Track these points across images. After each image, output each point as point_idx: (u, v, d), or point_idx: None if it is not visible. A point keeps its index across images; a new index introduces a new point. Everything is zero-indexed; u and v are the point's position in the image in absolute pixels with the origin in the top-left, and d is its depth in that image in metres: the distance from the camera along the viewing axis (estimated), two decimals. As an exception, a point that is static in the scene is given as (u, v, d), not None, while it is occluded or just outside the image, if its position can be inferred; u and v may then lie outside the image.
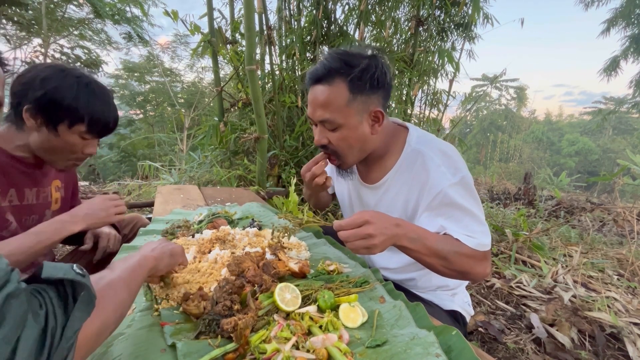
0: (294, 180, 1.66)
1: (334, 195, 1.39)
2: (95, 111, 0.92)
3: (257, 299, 0.70)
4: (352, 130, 0.90)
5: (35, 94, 0.86)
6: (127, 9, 8.53)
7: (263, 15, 3.19)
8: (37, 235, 0.86)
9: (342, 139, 0.92)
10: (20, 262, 0.82)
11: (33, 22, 8.29)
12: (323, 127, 0.92)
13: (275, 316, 0.66)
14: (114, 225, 1.28)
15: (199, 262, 0.93)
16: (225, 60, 3.66)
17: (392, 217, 0.79)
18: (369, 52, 0.90)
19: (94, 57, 9.18)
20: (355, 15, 3.60)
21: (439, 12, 3.87)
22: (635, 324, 1.78)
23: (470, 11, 3.65)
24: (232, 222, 1.35)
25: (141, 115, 12.90)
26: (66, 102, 0.88)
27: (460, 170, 0.88)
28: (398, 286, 0.95)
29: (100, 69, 9.26)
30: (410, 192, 0.94)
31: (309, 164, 1.05)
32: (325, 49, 3.68)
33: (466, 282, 1.11)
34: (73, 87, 0.89)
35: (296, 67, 3.73)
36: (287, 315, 0.68)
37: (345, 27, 3.67)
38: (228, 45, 3.34)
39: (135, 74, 12.41)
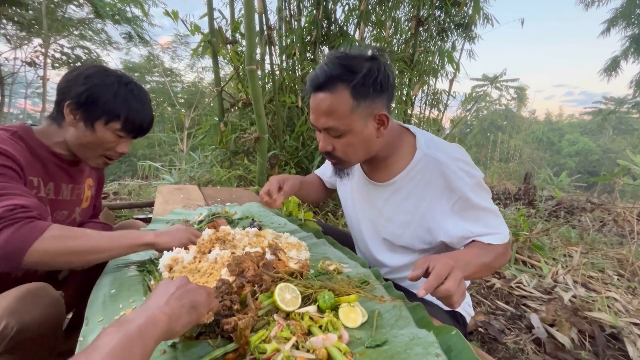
0: (294, 180, 1.65)
1: (330, 190, 1.40)
2: (131, 110, 0.95)
3: (257, 299, 0.70)
4: (357, 135, 0.90)
5: (77, 90, 0.90)
6: (127, 9, 8.53)
7: (263, 15, 3.19)
8: (122, 234, 0.89)
9: (348, 145, 0.91)
10: (94, 260, 0.83)
11: (33, 22, 8.30)
12: (327, 134, 0.92)
13: (275, 316, 0.66)
14: None
15: (199, 262, 0.93)
16: (226, 60, 3.66)
17: (444, 256, 0.76)
18: (370, 53, 0.88)
19: (94, 57, 9.19)
20: (355, 15, 3.60)
21: (439, 12, 3.87)
22: (635, 324, 1.77)
23: (470, 11, 3.65)
24: (232, 222, 1.35)
25: (141, 115, 12.89)
26: (105, 99, 0.91)
27: (474, 174, 0.91)
28: (398, 286, 0.96)
29: (101, 69, 9.25)
30: (423, 196, 0.95)
31: (265, 192, 1.10)
32: (326, 49, 3.68)
33: (467, 283, 1.11)
34: (113, 85, 0.92)
35: (296, 67, 3.73)
36: (287, 315, 0.68)
37: (345, 27, 3.67)
38: (228, 45, 3.35)
39: (136, 74, 12.42)
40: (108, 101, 0.92)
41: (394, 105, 3.75)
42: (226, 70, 5.61)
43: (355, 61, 0.86)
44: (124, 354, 0.39)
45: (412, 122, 4.22)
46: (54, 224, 0.78)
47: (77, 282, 1.11)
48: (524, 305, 2.01)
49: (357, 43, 3.45)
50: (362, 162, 1.02)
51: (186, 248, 1.01)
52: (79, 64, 8.68)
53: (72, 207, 1.09)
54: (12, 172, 0.82)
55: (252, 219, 1.37)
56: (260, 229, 1.25)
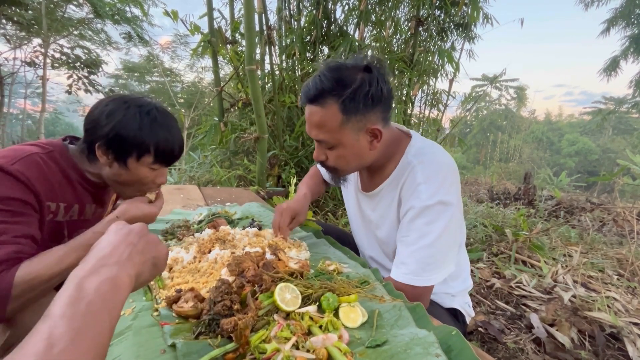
0: (294, 180, 1.66)
1: (327, 184, 1.40)
2: (160, 140, 0.92)
3: (257, 299, 0.70)
4: (349, 148, 0.89)
5: (103, 130, 0.88)
6: (127, 9, 8.53)
7: (263, 15, 3.19)
8: (82, 241, 0.85)
9: (339, 157, 0.92)
10: (72, 267, 0.81)
11: (33, 22, 8.29)
12: (320, 145, 0.93)
13: (275, 316, 0.66)
14: None
15: (199, 262, 0.93)
16: (225, 60, 3.66)
17: None
18: (365, 62, 0.86)
19: (93, 57, 9.18)
20: (355, 15, 3.60)
21: (438, 12, 3.87)
22: (635, 324, 1.77)
23: (470, 11, 3.65)
24: (232, 222, 1.35)
25: (141, 115, 12.90)
26: (131, 134, 0.89)
27: (439, 194, 0.85)
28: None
29: (100, 69, 9.26)
30: (398, 205, 0.94)
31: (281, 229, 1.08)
32: (325, 49, 3.68)
33: (469, 288, 1.11)
34: (136, 117, 0.90)
35: (296, 67, 3.73)
36: (287, 315, 0.68)
37: (345, 27, 3.67)
38: (228, 45, 3.34)
39: (135, 74, 12.43)
40: (135, 136, 0.89)
41: (393, 105, 3.75)
42: (226, 70, 5.62)
43: (348, 73, 0.84)
44: (92, 335, 0.32)
45: (412, 122, 4.22)
46: (17, 274, 0.74)
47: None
48: (524, 305, 2.01)
49: (357, 43, 3.44)
50: (358, 171, 1.02)
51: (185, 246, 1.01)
52: (78, 63, 8.69)
53: (92, 225, 1.09)
54: (23, 205, 0.80)
55: (252, 219, 1.36)
56: (260, 229, 1.25)
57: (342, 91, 0.82)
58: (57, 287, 0.88)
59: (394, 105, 3.78)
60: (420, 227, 0.85)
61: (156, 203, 1.01)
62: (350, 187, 1.15)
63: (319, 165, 1.38)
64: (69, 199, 0.93)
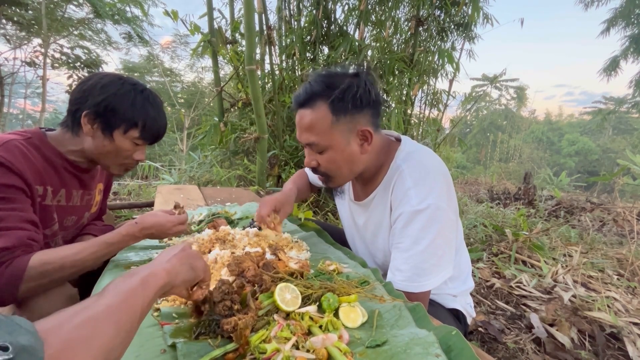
0: (294, 180, 1.65)
1: (315, 188, 1.39)
2: (149, 118, 0.96)
3: (257, 299, 0.70)
4: (340, 152, 0.90)
5: (95, 100, 0.90)
6: (127, 9, 8.53)
7: (263, 15, 3.19)
8: (107, 245, 0.90)
9: (330, 161, 0.91)
10: (88, 267, 0.87)
11: (33, 22, 8.30)
12: (311, 150, 0.93)
13: (275, 316, 0.66)
14: None
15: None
16: (225, 60, 3.66)
17: None
18: (354, 69, 0.89)
19: (94, 57, 9.18)
20: (355, 15, 3.60)
21: (439, 12, 3.87)
22: (635, 323, 1.77)
23: (470, 11, 3.65)
24: (232, 222, 1.35)
25: (141, 115, 12.91)
26: (123, 108, 0.92)
27: (429, 199, 0.84)
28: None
29: (100, 69, 9.26)
30: (390, 211, 0.94)
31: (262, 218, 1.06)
32: (326, 49, 3.68)
33: (470, 288, 1.11)
34: (130, 93, 0.93)
35: (296, 67, 3.73)
36: (287, 315, 0.68)
37: (345, 27, 3.67)
38: (228, 45, 3.34)
39: (135, 74, 12.41)
40: (126, 110, 0.92)
41: (393, 105, 3.75)
42: (226, 70, 5.62)
43: (337, 78, 0.87)
44: (127, 301, 0.46)
45: (412, 122, 4.22)
46: (33, 258, 0.78)
47: (76, 282, 1.12)
48: (524, 305, 2.01)
49: (357, 43, 3.44)
50: (351, 180, 1.01)
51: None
52: (78, 63, 8.69)
53: (82, 212, 1.09)
54: (15, 191, 0.81)
55: (252, 219, 1.36)
56: (260, 229, 1.25)
57: (330, 92, 0.84)
58: (74, 283, 0.90)
59: (394, 105, 3.79)
60: (413, 233, 0.85)
61: (178, 217, 1.02)
62: (344, 199, 1.15)
63: (308, 170, 1.38)
64: (54, 183, 0.94)
